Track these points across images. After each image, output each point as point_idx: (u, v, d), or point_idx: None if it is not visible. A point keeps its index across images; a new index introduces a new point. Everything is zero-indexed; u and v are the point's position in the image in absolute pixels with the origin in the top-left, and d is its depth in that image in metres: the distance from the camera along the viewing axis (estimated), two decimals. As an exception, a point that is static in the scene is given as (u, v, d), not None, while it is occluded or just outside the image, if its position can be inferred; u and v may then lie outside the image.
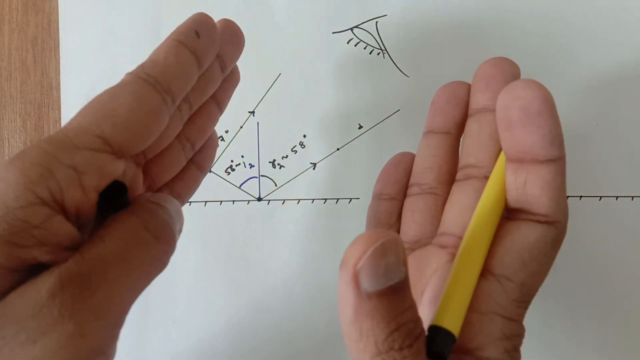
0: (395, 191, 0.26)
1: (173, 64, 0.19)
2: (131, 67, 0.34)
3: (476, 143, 0.22)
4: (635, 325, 0.30)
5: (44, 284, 0.16)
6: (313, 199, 0.32)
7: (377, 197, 0.26)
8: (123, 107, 0.18)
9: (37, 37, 0.36)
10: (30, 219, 0.16)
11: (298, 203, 0.33)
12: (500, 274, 0.19)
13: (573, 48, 0.30)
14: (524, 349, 0.30)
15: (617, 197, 0.30)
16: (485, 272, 0.19)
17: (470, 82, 0.24)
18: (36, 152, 0.17)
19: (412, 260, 0.23)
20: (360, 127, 0.32)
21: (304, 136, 0.33)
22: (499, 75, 0.22)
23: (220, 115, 0.26)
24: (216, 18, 0.33)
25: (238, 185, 0.33)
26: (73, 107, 0.35)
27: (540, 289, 0.30)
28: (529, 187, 0.18)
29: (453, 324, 0.18)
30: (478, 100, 0.23)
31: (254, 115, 0.33)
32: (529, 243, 0.18)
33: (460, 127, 0.24)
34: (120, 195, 0.19)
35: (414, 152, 0.26)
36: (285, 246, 0.32)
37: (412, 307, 0.17)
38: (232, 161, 0.33)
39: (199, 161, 0.26)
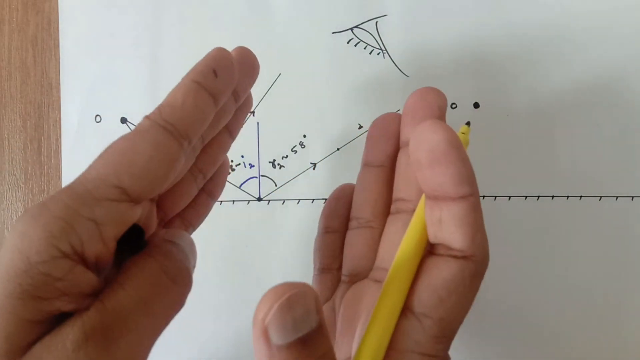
0: (338, 224, 0.26)
1: (191, 109, 0.19)
2: (131, 67, 0.34)
3: (404, 177, 0.23)
4: (636, 325, 0.30)
5: (68, 336, 0.16)
6: (313, 199, 0.32)
7: (322, 230, 0.27)
8: (141, 157, 0.18)
9: (37, 37, 0.36)
10: (53, 272, 0.16)
11: (298, 203, 0.33)
12: (418, 311, 0.19)
13: (573, 48, 0.30)
14: (525, 348, 0.30)
15: (617, 197, 0.30)
16: (405, 310, 0.19)
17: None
18: (57, 206, 0.17)
19: (351, 294, 0.24)
20: (360, 127, 0.32)
21: (304, 136, 0.33)
22: (424, 109, 0.22)
23: (232, 142, 0.26)
24: (217, 20, 0.34)
25: (238, 185, 0.33)
26: (73, 107, 0.35)
27: (541, 290, 0.30)
28: (444, 224, 0.19)
29: None
30: (405, 134, 0.23)
31: (254, 115, 0.33)
32: (445, 279, 0.19)
33: (393, 159, 0.24)
34: (138, 239, 0.20)
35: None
36: (285, 246, 0.32)
37: (327, 353, 0.17)
38: (232, 161, 0.33)
39: (210, 189, 0.26)
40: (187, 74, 0.20)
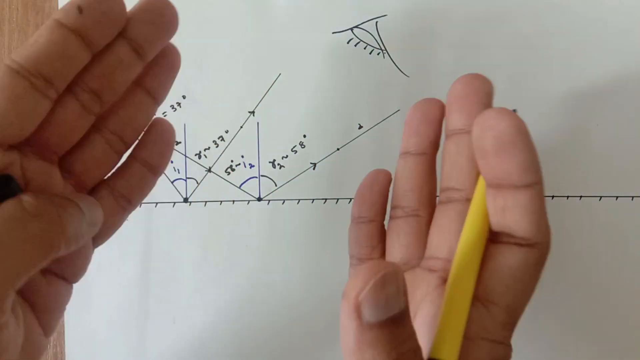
0: (373, 213, 0.25)
1: (43, 45, 0.19)
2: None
3: (455, 166, 0.22)
4: (636, 325, 0.30)
5: None
6: (313, 199, 0.32)
7: (356, 220, 0.26)
8: None
9: (37, 37, 0.36)
10: None
11: (298, 203, 0.33)
12: (485, 299, 0.19)
13: (573, 47, 0.30)
14: (524, 347, 0.30)
15: (617, 197, 0.30)
16: (473, 298, 0.19)
17: (444, 99, 0.24)
18: None
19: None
20: (360, 127, 0.32)
21: (304, 136, 0.33)
22: (472, 96, 0.22)
23: (155, 106, 0.24)
24: (217, 20, 0.34)
25: (238, 185, 0.33)
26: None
27: (540, 290, 0.30)
28: (508, 212, 0.19)
29: (451, 355, 0.18)
30: (454, 121, 0.23)
31: (254, 115, 0.33)
32: (511, 267, 0.19)
33: (435, 146, 0.24)
34: (6, 186, 0.19)
35: (386, 169, 0.26)
36: (285, 246, 0.32)
37: (412, 336, 0.17)
38: (232, 161, 0.33)
39: (144, 158, 0.24)
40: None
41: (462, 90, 0.22)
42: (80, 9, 0.19)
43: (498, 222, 0.19)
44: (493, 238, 0.20)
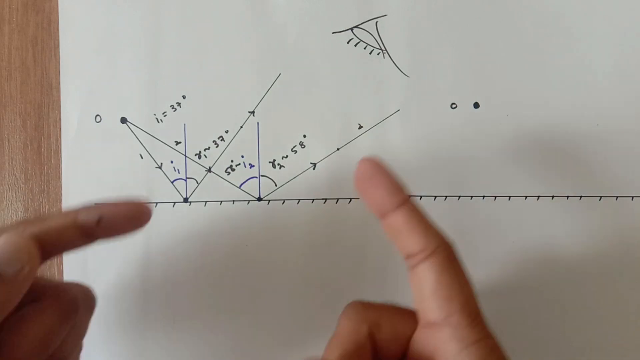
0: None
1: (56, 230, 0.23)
2: (131, 67, 0.34)
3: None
4: (636, 325, 0.30)
5: None
6: (313, 199, 0.32)
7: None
8: None
9: (37, 37, 0.36)
10: None
11: (298, 203, 0.33)
12: (440, 319, 0.21)
13: (573, 48, 0.30)
14: (524, 348, 0.30)
15: (617, 197, 0.30)
16: (432, 324, 0.21)
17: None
18: None
19: None
20: (360, 127, 0.32)
21: (304, 136, 0.33)
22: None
23: None
24: (217, 20, 0.34)
25: (238, 185, 0.33)
26: (73, 107, 0.35)
27: (541, 290, 0.30)
28: (400, 234, 0.22)
29: None
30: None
31: (254, 115, 0.33)
32: (433, 280, 0.21)
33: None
34: None
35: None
36: (285, 246, 0.32)
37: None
38: (232, 161, 0.33)
39: None
40: None
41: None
42: (99, 222, 0.23)
43: (401, 247, 0.22)
44: (409, 263, 0.22)
